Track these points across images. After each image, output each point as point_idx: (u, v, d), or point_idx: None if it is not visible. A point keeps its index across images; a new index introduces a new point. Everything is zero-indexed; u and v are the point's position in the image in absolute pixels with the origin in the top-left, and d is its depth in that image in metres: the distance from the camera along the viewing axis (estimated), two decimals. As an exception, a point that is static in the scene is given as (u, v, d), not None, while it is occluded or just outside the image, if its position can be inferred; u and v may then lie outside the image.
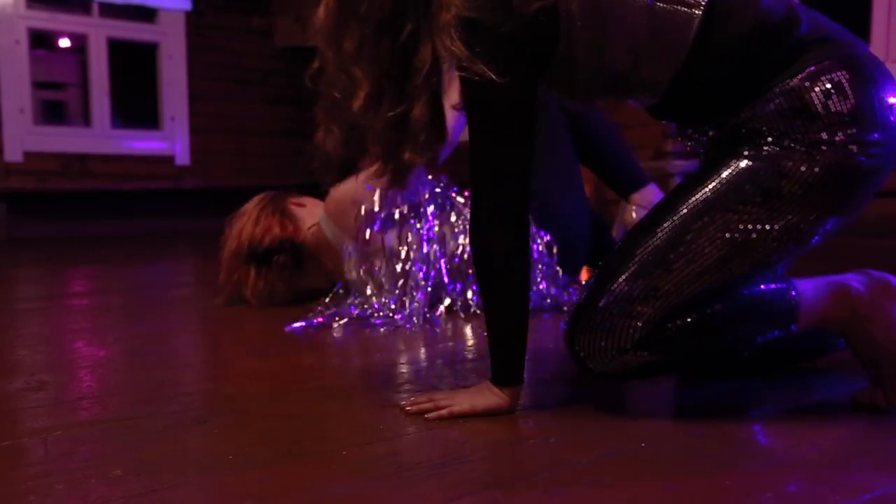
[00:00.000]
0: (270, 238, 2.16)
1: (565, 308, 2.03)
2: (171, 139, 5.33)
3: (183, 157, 5.36)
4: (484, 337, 1.74)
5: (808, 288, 1.14)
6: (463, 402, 1.14)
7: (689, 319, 1.08)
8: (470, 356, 1.57)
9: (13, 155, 4.80)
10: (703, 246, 1.08)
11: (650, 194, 2.12)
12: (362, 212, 2.02)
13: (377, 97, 1.16)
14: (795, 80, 1.07)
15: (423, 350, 1.65)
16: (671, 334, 1.08)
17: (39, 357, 1.61)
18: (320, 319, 1.90)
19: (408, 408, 1.16)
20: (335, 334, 1.80)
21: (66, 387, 1.35)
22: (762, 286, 1.12)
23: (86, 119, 5.27)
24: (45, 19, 5.00)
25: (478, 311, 2.02)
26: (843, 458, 1.01)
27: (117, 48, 5.18)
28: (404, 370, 1.47)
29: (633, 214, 2.10)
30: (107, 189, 5.00)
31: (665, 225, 1.11)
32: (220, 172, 5.45)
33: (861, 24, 2.92)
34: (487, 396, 1.15)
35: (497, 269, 1.13)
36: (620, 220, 2.63)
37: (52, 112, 6.20)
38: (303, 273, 2.28)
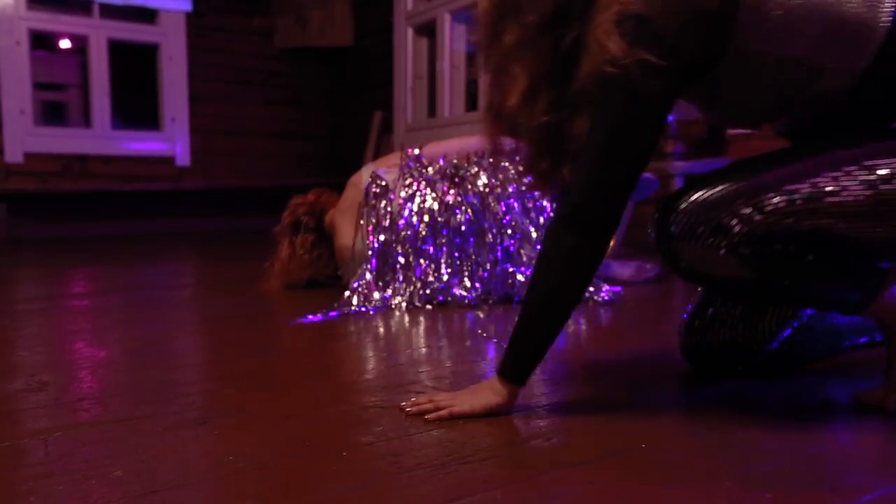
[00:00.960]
0: (305, 202, 2.50)
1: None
2: (172, 140, 5.33)
3: (183, 158, 5.36)
4: (487, 339, 1.74)
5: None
6: (463, 402, 1.14)
7: (790, 249, 1.04)
8: (474, 358, 1.57)
9: (13, 156, 4.81)
10: (849, 188, 1.02)
11: None
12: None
13: (532, 97, 1.12)
14: None
15: (423, 351, 1.65)
16: (768, 254, 1.04)
17: (40, 358, 1.61)
18: (330, 314, 2.02)
19: (408, 409, 1.16)
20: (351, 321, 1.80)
21: (66, 387, 1.35)
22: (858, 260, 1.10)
23: (86, 120, 5.27)
24: (45, 20, 5.00)
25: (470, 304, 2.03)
26: (843, 459, 1.01)
27: (118, 49, 5.18)
28: (405, 371, 1.47)
29: None
30: (107, 190, 5.00)
31: (810, 153, 1.06)
32: (220, 173, 5.45)
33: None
34: (486, 395, 1.15)
35: (556, 269, 1.10)
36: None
37: (52, 113, 6.21)
38: (322, 252, 2.48)
